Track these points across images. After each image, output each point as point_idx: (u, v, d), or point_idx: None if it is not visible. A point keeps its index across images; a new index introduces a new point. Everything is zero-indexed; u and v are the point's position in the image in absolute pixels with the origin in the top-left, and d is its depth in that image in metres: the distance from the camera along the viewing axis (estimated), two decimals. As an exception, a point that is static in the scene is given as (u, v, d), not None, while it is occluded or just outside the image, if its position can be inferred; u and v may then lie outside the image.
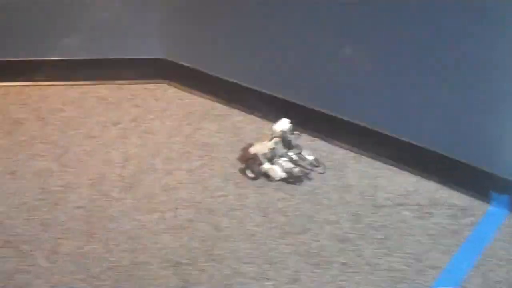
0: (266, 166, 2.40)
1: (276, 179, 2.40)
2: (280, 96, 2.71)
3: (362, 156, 2.53)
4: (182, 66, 3.02)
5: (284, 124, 2.42)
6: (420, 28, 2.21)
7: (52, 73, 3.12)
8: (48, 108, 2.94)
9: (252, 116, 2.81)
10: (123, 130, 2.75)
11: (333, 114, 2.57)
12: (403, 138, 2.41)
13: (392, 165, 2.46)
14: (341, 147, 2.59)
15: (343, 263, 2.03)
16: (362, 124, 2.50)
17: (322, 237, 2.14)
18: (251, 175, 2.44)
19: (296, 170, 2.39)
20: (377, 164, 2.49)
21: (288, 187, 2.38)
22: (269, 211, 2.26)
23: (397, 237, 2.13)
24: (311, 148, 2.51)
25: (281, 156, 2.41)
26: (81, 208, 2.30)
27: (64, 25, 3.02)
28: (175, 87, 3.07)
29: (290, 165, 2.39)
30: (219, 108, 2.90)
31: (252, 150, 2.45)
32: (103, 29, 3.02)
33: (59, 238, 2.16)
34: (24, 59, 3.10)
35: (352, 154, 2.55)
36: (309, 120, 2.64)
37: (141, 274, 2.01)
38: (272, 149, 2.39)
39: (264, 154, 2.39)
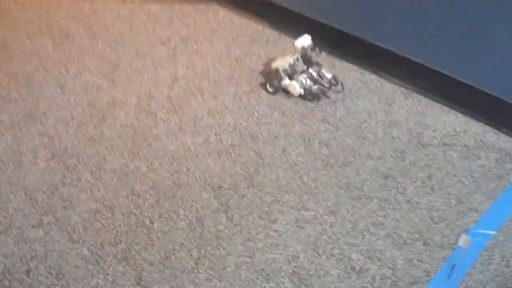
0: (286, 81, 2.44)
1: (295, 95, 2.44)
2: (331, 24, 2.64)
3: (412, 92, 2.47)
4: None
5: (305, 41, 2.44)
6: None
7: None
8: (99, 22, 2.95)
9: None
10: (172, 50, 2.75)
11: (385, 46, 2.51)
12: (454, 76, 2.34)
13: (441, 103, 2.40)
14: (391, 81, 2.53)
15: (383, 199, 2.03)
16: (414, 59, 2.43)
17: (364, 172, 2.13)
18: (271, 89, 2.47)
19: (315, 87, 2.42)
20: (426, 101, 2.43)
21: (335, 119, 2.35)
22: (313, 141, 2.26)
23: (441, 177, 2.10)
24: (360, 80, 2.47)
25: (301, 72, 2.45)
26: (127, 126, 2.34)
27: None
28: (226, 8, 3.02)
29: (309, 82, 2.42)
30: (269, 32, 2.86)
31: (273, 65, 2.48)
32: None
33: (104, 155, 2.22)
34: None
35: (402, 89, 2.49)
36: (360, 52, 2.59)
37: (182, 195, 2.05)
38: (292, 65, 2.43)
39: (285, 70, 2.43)
